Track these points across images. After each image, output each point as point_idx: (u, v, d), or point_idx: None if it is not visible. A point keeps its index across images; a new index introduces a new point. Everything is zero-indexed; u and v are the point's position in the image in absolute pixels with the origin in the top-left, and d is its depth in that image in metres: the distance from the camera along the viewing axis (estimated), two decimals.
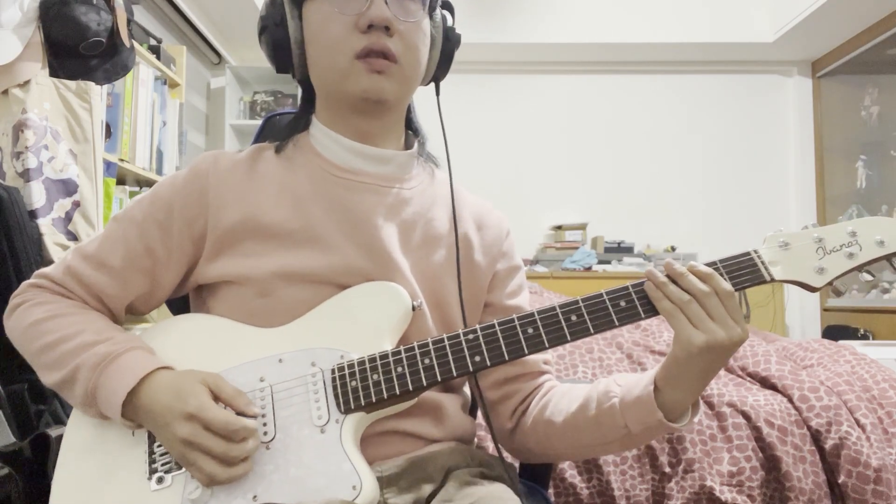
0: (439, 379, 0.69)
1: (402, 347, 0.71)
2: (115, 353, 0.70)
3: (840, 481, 1.30)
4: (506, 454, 1.07)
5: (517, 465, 0.95)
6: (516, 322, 0.70)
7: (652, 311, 0.69)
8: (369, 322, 0.73)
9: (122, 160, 2.28)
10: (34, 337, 0.74)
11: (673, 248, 4.00)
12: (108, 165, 2.16)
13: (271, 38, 0.78)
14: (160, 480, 0.68)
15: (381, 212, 0.78)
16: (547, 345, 0.69)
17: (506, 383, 0.84)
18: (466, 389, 0.90)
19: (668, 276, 0.68)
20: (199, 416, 0.65)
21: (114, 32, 1.79)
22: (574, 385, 0.82)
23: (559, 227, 4.07)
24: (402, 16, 0.75)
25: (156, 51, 2.65)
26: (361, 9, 0.73)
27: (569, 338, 0.69)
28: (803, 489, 1.30)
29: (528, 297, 0.90)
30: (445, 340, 0.70)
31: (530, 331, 0.69)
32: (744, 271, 0.69)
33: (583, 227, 4.05)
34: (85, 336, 0.72)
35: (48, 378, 0.73)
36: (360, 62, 0.74)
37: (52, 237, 1.58)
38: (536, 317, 0.70)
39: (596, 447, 0.77)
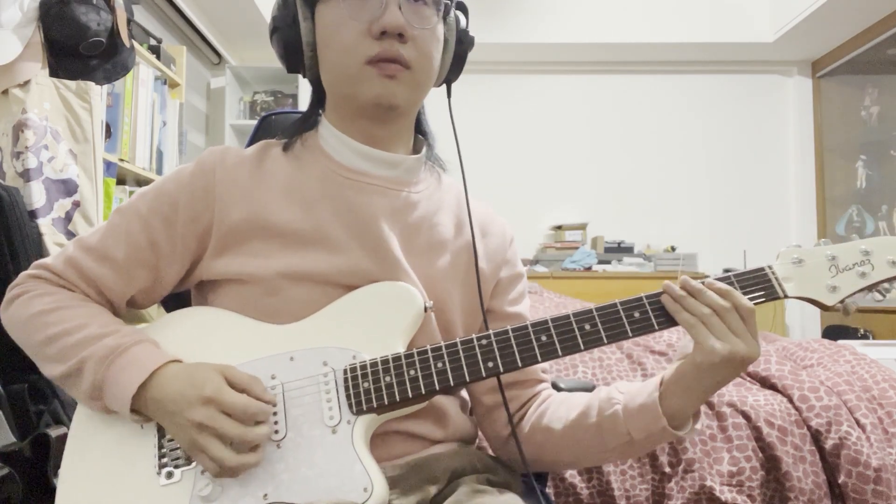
0: (452, 384, 0.69)
1: (415, 350, 0.70)
2: (123, 346, 0.69)
3: (840, 481, 1.30)
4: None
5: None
6: (530, 329, 0.70)
7: (665, 323, 0.69)
8: (382, 322, 0.73)
9: (122, 160, 2.28)
10: (36, 329, 0.73)
11: (673, 248, 4.00)
12: (108, 165, 2.16)
13: (283, 38, 0.77)
14: (170, 475, 0.68)
15: (389, 214, 0.78)
16: (560, 353, 0.69)
17: (504, 389, 0.83)
18: (464, 392, 0.89)
19: (685, 290, 0.68)
20: (216, 398, 0.64)
21: (114, 32, 1.79)
22: (571, 394, 0.82)
23: (559, 227, 4.06)
24: (417, 23, 0.73)
25: (156, 51, 2.65)
26: (375, 15, 0.72)
27: (582, 347, 0.69)
28: (803, 489, 1.30)
29: (528, 304, 0.91)
30: (459, 345, 0.70)
31: (544, 338, 0.69)
32: (758, 286, 0.69)
33: (583, 227, 4.05)
34: (90, 329, 0.71)
35: (50, 371, 0.72)
36: (372, 67, 0.73)
37: (52, 237, 1.58)
38: (550, 325, 0.70)
39: (595, 455, 0.77)
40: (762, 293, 0.69)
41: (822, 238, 0.74)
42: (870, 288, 0.70)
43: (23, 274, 0.78)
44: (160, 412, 0.67)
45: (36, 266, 0.78)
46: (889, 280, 0.69)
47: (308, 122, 0.84)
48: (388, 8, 0.72)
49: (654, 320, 0.69)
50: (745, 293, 0.69)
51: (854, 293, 0.69)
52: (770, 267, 0.70)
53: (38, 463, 0.99)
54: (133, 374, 0.67)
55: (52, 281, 0.76)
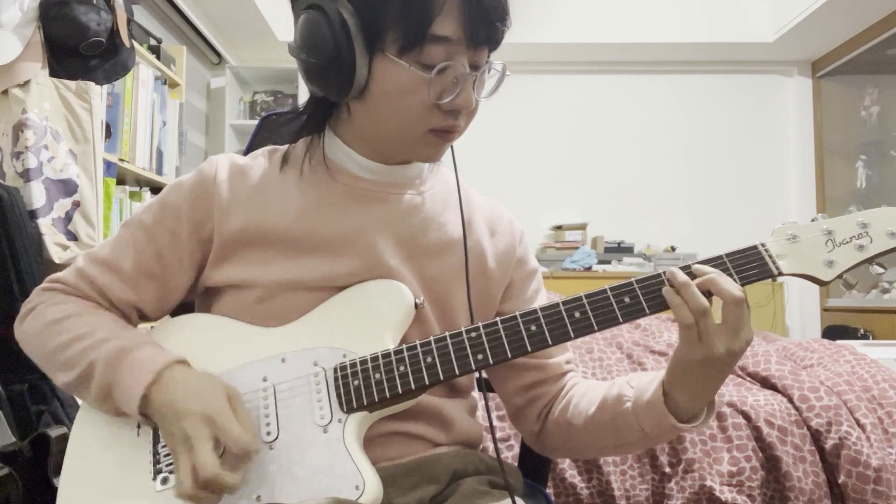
0: (441, 378, 0.69)
1: (404, 346, 0.70)
2: (127, 348, 0.70)
3: (840, 481, 1.30)
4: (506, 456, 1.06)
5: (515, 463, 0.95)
6: (519, 319, 0.69)
7: (656, 306, 0.68)
8: (371, 320, 0.73)
9: (122, 160, 2.28)
10: (50, 337, 0.74)
11: (673, 248, 4.00)
12: (108, 165, 2.16)
13: (336, 75, 0.71)
14: (165, 481, 0.68)
15: (389, 219, 0.78)
16: (550, 342, 0.68)
17: (531, 388, 0.84)
18: (475, 394, 0.89)
19: (673, 287, 0.67)
20: (217, 420, 0.63)
21: (114, 32, 1.79)
22: (592, 384, 0.81)
23: (559, 227, 4.06)
24: (480, 95, 0.75)
25: (156, 51, 2.65)
26: (448, 89, 0.71)
27: (572, 335, 0.68)
28: (803, 489, 1.30)
29: (545, 297, 0.89)
30: (448, 338, 0.70)
31: (533, 328, 0.69)
32: (751, 265, 0.68)
33: (583, 227, 4.05)
34: (99, 334, 0.72)
35: (62, 378, 0.73)
36: (433, 135, 0.74)
37: (52, 237, 1.58)
38: (539, 314, 0.69)
39: (619, 447, 0.77)
40: (756, 272, 0.68)
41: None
42: (869, 261, 0.67)
43: (36, 289, 0.80)
44: (161, 416, 0.67)
45: (49, 280, 0.80)
46: (888, 252, 0.67)
47: (311, 130, 0.83)
48: (464, 89, 0.71)
49: (644, 304, 0.68)
50: (738, 272, 0.67)
51: (852, 267, 0.67)
52: (763, 244, 0.69)
53: (38, 463, 0.99)
54: (139, 376, 0.68)
55: (65, 291, 0.78)
